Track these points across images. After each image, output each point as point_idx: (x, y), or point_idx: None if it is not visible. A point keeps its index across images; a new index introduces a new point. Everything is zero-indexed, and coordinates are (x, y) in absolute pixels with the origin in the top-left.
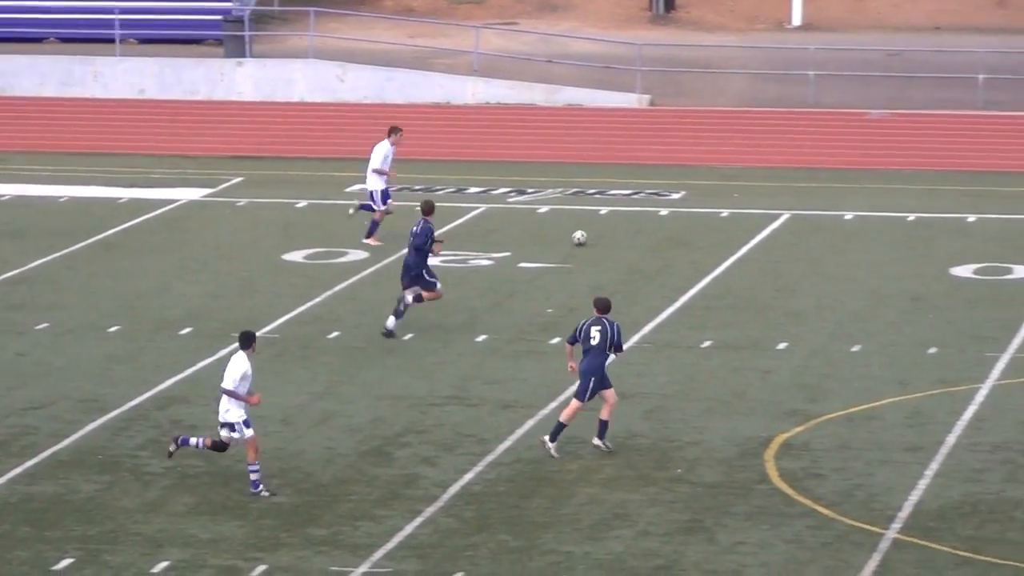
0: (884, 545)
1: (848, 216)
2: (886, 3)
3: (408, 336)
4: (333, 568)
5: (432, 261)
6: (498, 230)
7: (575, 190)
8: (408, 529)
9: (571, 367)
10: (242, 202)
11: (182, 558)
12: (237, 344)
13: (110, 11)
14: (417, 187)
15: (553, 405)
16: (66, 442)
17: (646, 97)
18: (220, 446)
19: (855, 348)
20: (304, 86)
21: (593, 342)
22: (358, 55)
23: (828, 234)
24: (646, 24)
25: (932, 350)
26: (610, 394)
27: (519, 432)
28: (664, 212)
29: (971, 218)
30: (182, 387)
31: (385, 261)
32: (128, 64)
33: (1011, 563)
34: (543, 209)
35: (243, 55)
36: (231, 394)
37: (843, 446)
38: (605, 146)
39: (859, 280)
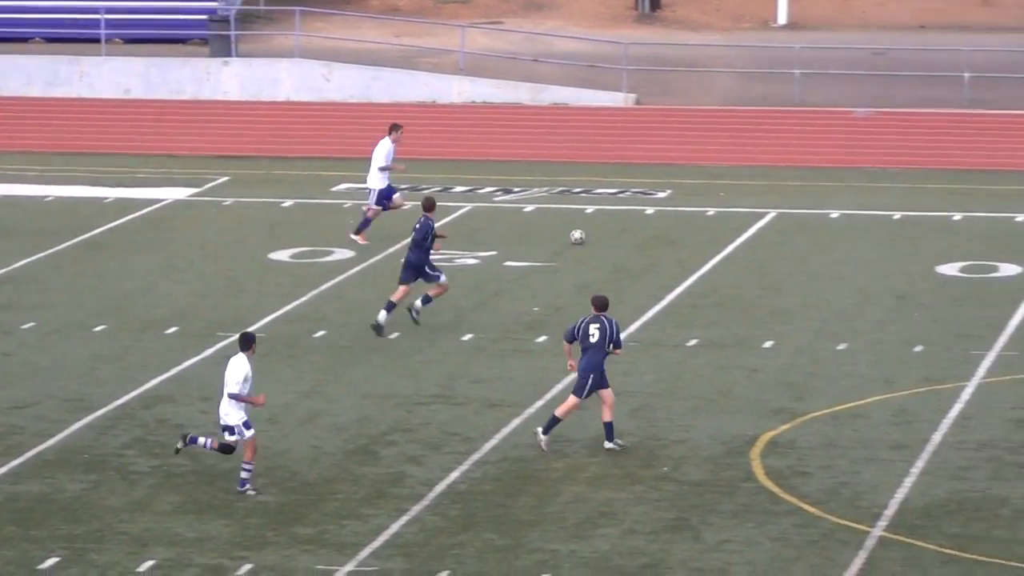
0: (870, 543)
1: (834, 214)
2: (871, 2)
3: (394, 335)
4: (319, 567)
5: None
6: (484, 229)
7: (561, 189)
8: (394, 528)
9: (571, 365)
10: (228, 201)
11: (168, 557)
12: (238, 346)
13: (96, 11)
14: (403, 186)
15: (539, 404)
16: (52, 441)
17: (632, 96)
18: (227, 449)
19: (841, 346)
20: (290, 85)
21: (592, 340)
22: (344, 54)
23: (814, 232)
24: (632, 23)
25: (918, 348)
26: (607, 394)
27: (505, 431)
28: (650, 211)
29: (957, 216)
30: (168, 386)
31: (371, 260)
32: (114, 64)
33: (996, 561)
34: (529, 208)
35: (229, 54)
36: (236, 397)
37: (829, 444)
38: (591, 145)
39: (845, 278)
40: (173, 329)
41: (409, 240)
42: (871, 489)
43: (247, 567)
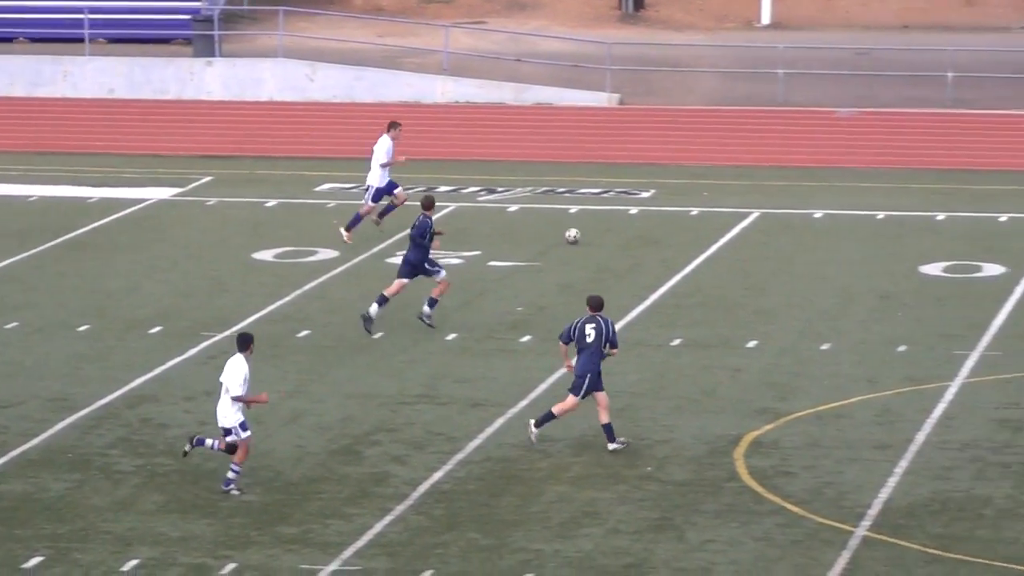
0: (854, 543)
1: (817, 214)
2: (855, 2)
3: (378, 335)
4: (303, 566)
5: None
6: (468, 229)
7: (545, 189)
8: (378, 527)
9: (568, 365)
10: (212, 201)
11: (152, 556)
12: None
13: (79, 11)
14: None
15: (523, 404)
16: (35, 441)
17: (615, 96)
18: (234, 448)
19: (824, 346)
20: (273, 85)
21: (588, 340)
22: (327, 54)
23: (797, 232)
24: (615, 23)
25: (901, 348)
26: (601, 396)
27: (489, 430)
28: (634, 211)
29: (940, 216)
30: (152, 386)
31: (355, 260)
32: (98, 64)
33: (980, 560)
34: (513, 208)
35: (212, 54)
36: (240, 399)
37: (813, 444)
38: (575, 145)
39: (828, 278)
40: (157, 329)
41: (407, 236)
42: (855, 489)
43: (231, 566)
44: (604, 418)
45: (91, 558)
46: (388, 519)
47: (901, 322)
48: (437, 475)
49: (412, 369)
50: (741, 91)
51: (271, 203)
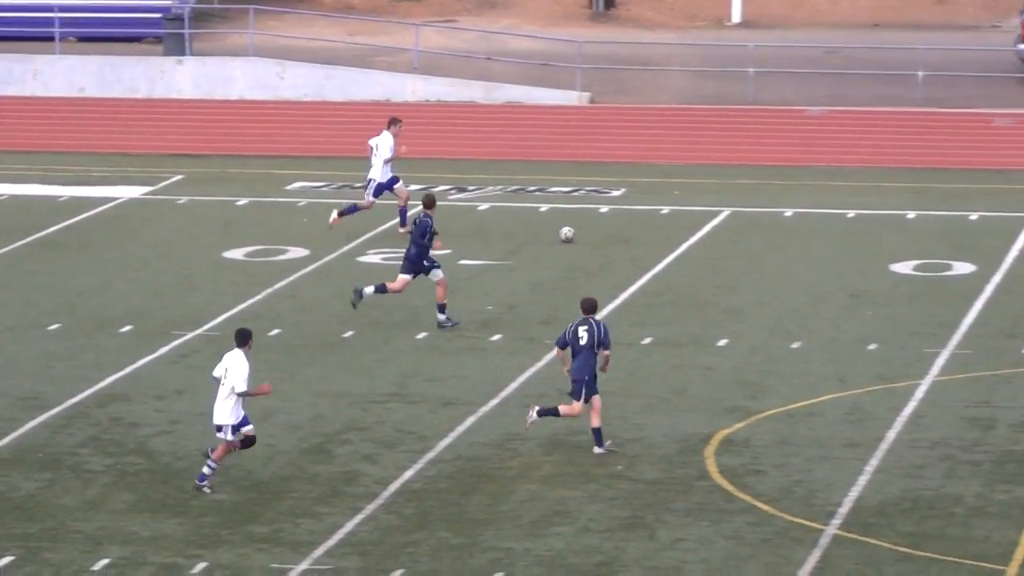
0: (824, 541)
1: (788, 213)
2: (825, 0)
3: (349, 333)
4: (274, 565)
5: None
6: (438, 227)
7: (515, 187)
8: (349, 526)
9: (567, 371)
10: (182, 200)
11: (122, 555)
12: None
13: (49, 9)
14: (357, 184)
15: (494, 402)
16: (6, 440)
17: (586, 95)
18: (248, 442)
19: (795, 345)
20: (244, 84)
21: (582, 342)
22: (298, 53)
23: (768, 231)
24: (585, 21)
25: (872, 346)
26: (595, 400)
27: (460, 429)
28: (604, 209)
29: (911, 215)
30: (123, 385)
31: (326, 259)
32: (68, 62)
33: (950, 559)
34: (483, 207)
35: (183, 53)
36: (246, 394)
37: (783, 442)
38: (545, 143)
39: (799, 277)
40: (127, 328)
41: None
42: (825, 487)
43: (202, 566)
44: (595, 422)
45: (61, 557)
46: (359, 518)
47: (871, 320)
48: (408, 474)
49: (383, 368)
50: (711, 90)
51: (242, 202)
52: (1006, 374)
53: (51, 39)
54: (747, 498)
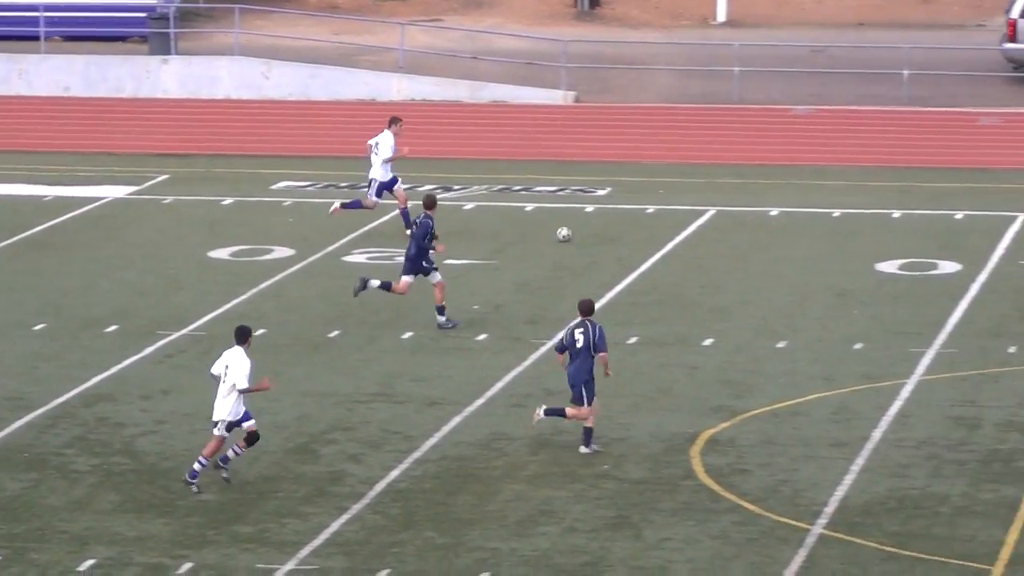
0: (810, 540)
1: (773, 212)
2: None
3: (334, 333)
4: (259, 565)
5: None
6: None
7: (501, 187)
8: (334, 526)
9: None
10: (168, 199)
11: (108, 556)
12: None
13: (35, 8)
14: (343, 184)
15: (480, 402)
16: None
17: (571, 94)
18: (251, 439)
19: (780, 344)
20: (229, 83)
21: (578, 345)
22: (283, 52)
23: (753, 230)
24: (571, 20)
25: (857, 346)
26: (594, 402)
27: (445, 429)
28: (590, 208)
29: (896, 214)
30: (108, 385)
31: (311, 259)
32: (53, 62)
33: (936, 558)
34: (469, 206)
35: (168, 52)
36: (248, 391)
37: (769, 442)
38: (531, 143)
39: (784, 276)
40: (113, 327)
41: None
42: (811, 487)
43: (187, 566)
44: (588, 422)
45: (47, 558)
46: (344, 518)
47: (857, 320)
48: (393, 474)
49: (368, 368)
50: (697, 89)
51: (227, 201)
52: (992, 373)
53: (36, 38)
54: (733, 498)
